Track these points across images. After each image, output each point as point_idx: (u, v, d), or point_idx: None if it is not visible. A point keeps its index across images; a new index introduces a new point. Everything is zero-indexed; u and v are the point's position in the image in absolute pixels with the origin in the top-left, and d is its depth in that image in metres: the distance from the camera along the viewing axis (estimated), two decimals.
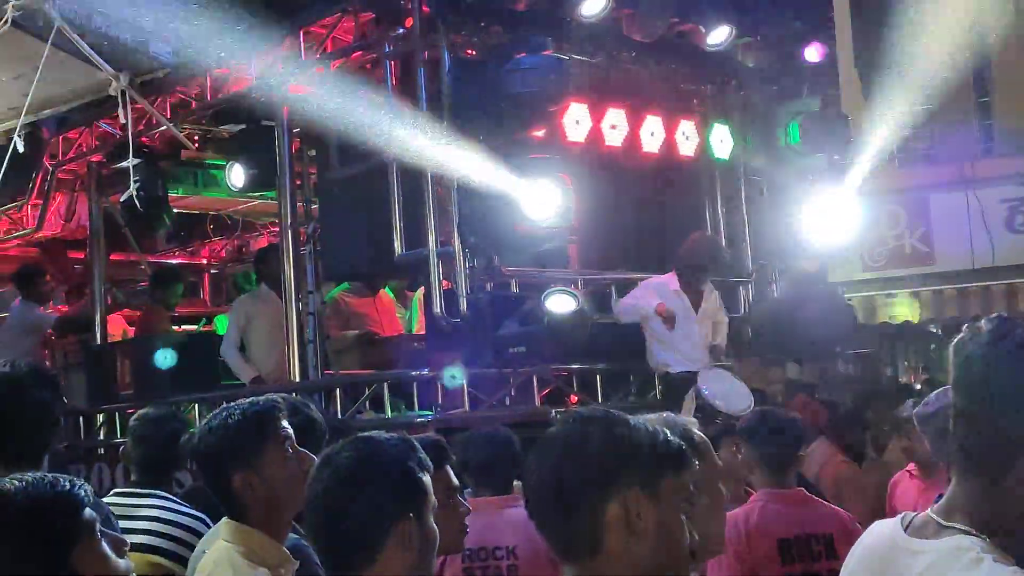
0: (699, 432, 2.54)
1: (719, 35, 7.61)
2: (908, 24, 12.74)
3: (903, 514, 2.01)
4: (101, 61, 4.55)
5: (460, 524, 3.40)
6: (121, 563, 1.87)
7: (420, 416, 6.54)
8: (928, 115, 13.04)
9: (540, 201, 6.30)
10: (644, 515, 1.89)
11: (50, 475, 1.86)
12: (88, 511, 1.83)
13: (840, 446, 8.12)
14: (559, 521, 1.93)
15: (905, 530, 1.96)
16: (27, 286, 9.83)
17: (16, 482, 1.82)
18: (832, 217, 8.40)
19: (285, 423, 2.99)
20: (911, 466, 6.10)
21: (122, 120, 4.42)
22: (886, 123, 13.22)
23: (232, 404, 2.98)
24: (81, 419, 9.02)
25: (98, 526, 1.84)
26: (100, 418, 9.00)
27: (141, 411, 4.65)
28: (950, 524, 1.87)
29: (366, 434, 2.43)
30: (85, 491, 1.85)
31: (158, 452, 4.51)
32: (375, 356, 7.82)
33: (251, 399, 3.02)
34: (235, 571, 2.77)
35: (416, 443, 2.41)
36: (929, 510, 1.95)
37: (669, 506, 1.93)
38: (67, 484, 1.84)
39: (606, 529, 1.89)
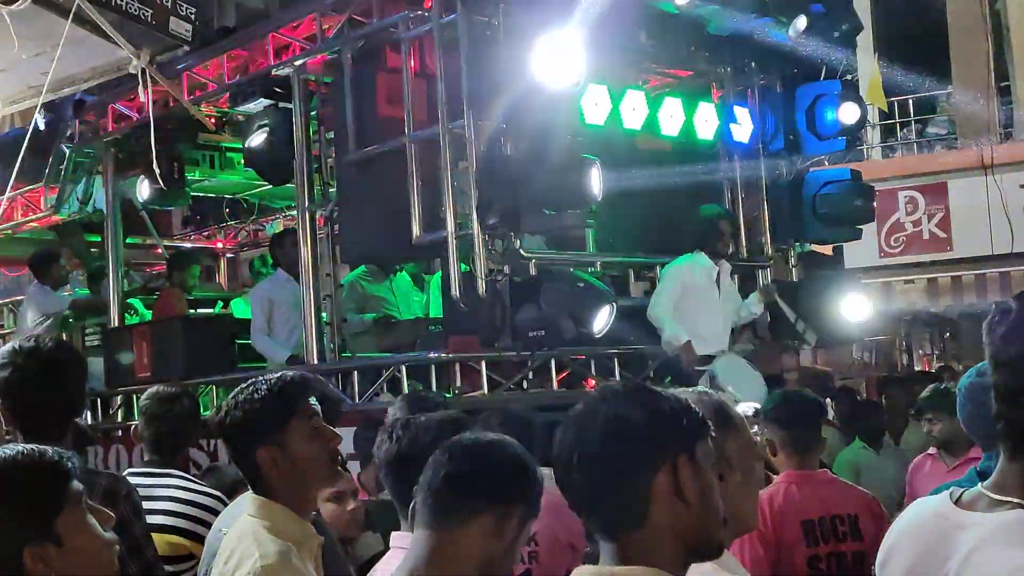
0: (735, 408, 2.52)
1: None
2: (928, 9, 12.68)
3: (951, 489, 2.01)
4: (121, 39, 4.52)
5: None
6: (107, 535, 1.95)
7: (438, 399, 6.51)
8: (947, 99, 13.00)
9: (561, 182, 6.27)
10: (690, 482, 1.91)
11: (39, 447, 1.94)
12: (75, 483, 1.91)
13: (849, 434, 8.12)
14: (605, 496, 1.93)
15: (955, 504, 1.96)
16: (41, 270, 9.86)
17: (6, 451, 1.91)
18: (849, 202, 8.35)
19: (312, 399, 2.97)
20: (933, 449, 6.07)
21: (141, 98, 4.39)
22: (904, 107, 13.15)
23: (260, 379, 2.97)
24: (99, 401, 9.05)
25: (84, 499, 1.92)
26: (117, 400, 9.03)
27: (151, 390, 4.65)
28: (1005, 499, 1.87)
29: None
30: (72, 463, 1.93)
31: (170, 430, 4.52)
32: (392, 339, 7.82)
33: (279, 374, 3.01)
34: (260, 545, 2.76)
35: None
36: (979, 486, 1.95)
37: (706, 471, 1.95)
38: (55, 455, 1.92)
39: (654, 499, 1.90)
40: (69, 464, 1.93)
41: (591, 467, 1.93)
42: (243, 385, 2.99)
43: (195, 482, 4.51)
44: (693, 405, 2.02)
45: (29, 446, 1.94)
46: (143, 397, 4.64)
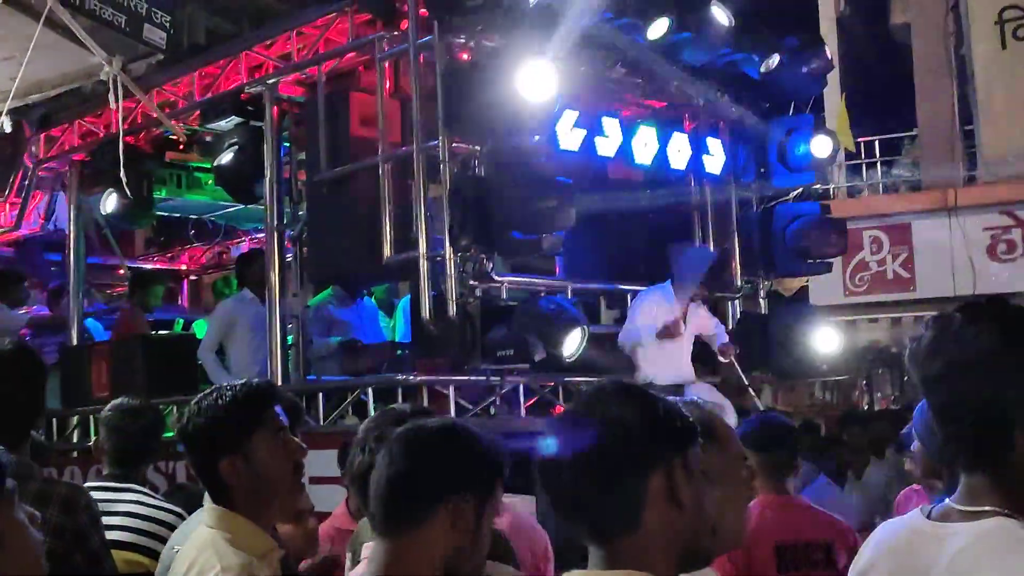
0: (723, 421, 2.45)
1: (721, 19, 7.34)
2: (894, 52, 12.84)
3: (921, 507, 2.00)
4: (94, 44, 4.40)
5: None
6: (37, 535, 1.87)
7: None
8: (913, 142, 13.13)
9: (535, 206, 6.21)
10: (684, 486, 1.85)
11: None
12: (9, 481, 1.82)
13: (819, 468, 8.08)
14: (597, 498, 1.86)
15: (928, 519, 1.96)
16: (5, 289, 9.64)
17: None
18: (820, 236, 8.37)
19: (279, 408, 2.87)
20: (916, 485, 6.03)
21: (112, 105, 4.27)
22: (870, 148, 13.28)
23: (225, 385, 2.87)
24: (55, 421, 8.83)
25: (17, 498, 1.84)
26: (74, 420, 8.81)
27: (115, 402, 4.52)
28: (979, 508, 1.86)
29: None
30: (5, 460, 1.84)
31: (132, 443, 4.38)
32: (358, 363, 7.69)
33: (245, 381, 2.91)
34: (220, 557, 2.66)
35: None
36: (948, 501, 1.94)
37: (698, 477, 1.89)
38: None
39: (648, 503, 1.83)
40: (3, 459, 1.84)
41: (584, 467, 1.85)
42: (208, 391, 2.89)
43: (155, 497, 4.37)
44: (684, 410, 1.96)
45: None
46: (106, 409, 4.51)
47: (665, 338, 7.07)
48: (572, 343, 6.25)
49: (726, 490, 2.39)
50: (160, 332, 9.69)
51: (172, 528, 4.04)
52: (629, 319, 7.38)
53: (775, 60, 7.94)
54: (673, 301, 7.29)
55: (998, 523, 1.82)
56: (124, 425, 4.36)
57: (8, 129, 5.71)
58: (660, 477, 1.84)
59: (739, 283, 8.48)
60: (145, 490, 4.38)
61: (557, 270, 8.49)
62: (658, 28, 6.96)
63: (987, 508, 1.85)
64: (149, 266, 11.46)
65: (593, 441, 1.85)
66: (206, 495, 2.85)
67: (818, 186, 9.14)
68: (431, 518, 2.22)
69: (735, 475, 2.44)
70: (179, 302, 11.65)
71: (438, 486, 2.25)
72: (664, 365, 7.15)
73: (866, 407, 16.18)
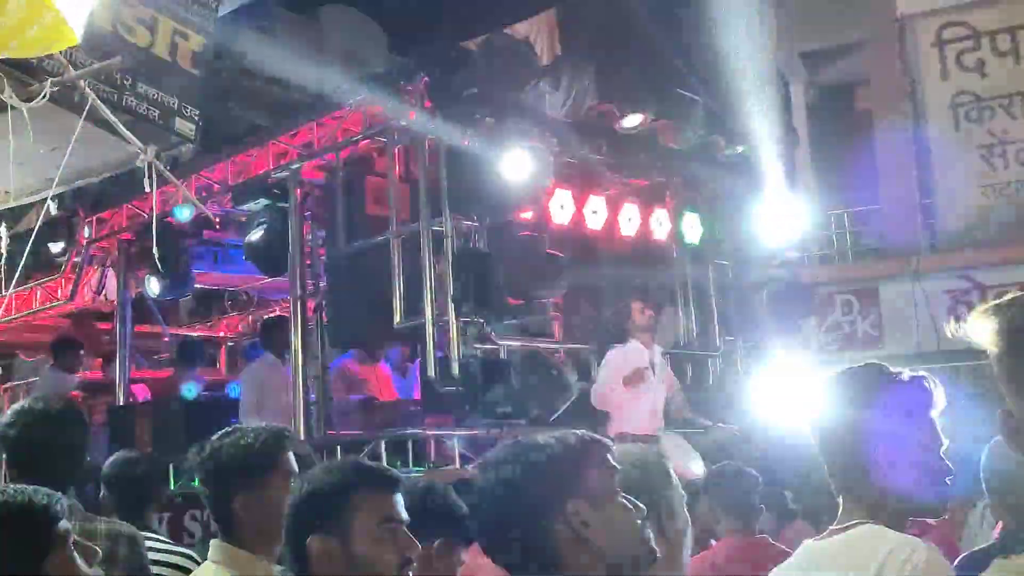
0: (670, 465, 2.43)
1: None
2: (858, 132, 12.94)
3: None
4: (130, 135, 4.51)
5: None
6: (91, 572, 1.83)
7: (414, 472, 6.39)
8: (877, 214, 13.15)
9: (530, 276, 6.26)
10: (589, 520, 1.80)
11: (31, 488, 1.82)
12: (63, 523, 1.79)
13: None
14: (513, 546, 1.84)
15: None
16: (61, 355, 9.69)
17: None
18: (790, 300, 8.38)
19: (291, 455, 2.85)
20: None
21: (147, 189, 4.37)
22: (840, 219, 13.31)
23: (245, 426, 2.84)
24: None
25: (72, 537, 1.80)
26: None
27: (112, 457, 4.34)
28: (852, 522, 2.13)
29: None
30: (61, 504, 1.82)
31: (134, 492, 4.19)
32: (375, 418, 7.69)
33: (264, 425, 2.89)
34: None
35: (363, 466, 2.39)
36: (829, 528, 2.21)
37: (606, 502, 1.83)
38: (44, 498, 1.81)
39: (559, 545, 1.80)
40: (58, 505, 1.80)
41: (495, 520, 1.86)
42: (228, 429, 2.85)
43: (164, 541, 4.24)
44: (576, 442, 1.88)
45: (20, 487, 1.82)
46: (104, 466, 4.31)
47: (633, 384, 6.91)
48: (561, 406, 6.22)
49: (681, 524, 2.38)
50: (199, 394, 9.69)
51: (182, 569, 3.95)
52: (600, 383, 7.26)
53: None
54: (641, 350, 7.18)
55: (867, 527, 2.11)
56: (122, 474, 4.20)
57: (55, 212, 5.82)
58: (561, 522, 1.80)
59: (719, 343, 8.47)
60: (153, 534, 4.25)
61: (557, 332, 8.51)
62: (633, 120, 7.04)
63: (856, 521, 2.13)
64: (193, 334, 11.52)
65: (493, 507, 1.85)
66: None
67: (793, 254, 9.14)
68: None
69: (683, 512, 2.43)
70: (217, 367, 11.69)
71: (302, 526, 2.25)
72: (635, 416, 7.01)
73: None
